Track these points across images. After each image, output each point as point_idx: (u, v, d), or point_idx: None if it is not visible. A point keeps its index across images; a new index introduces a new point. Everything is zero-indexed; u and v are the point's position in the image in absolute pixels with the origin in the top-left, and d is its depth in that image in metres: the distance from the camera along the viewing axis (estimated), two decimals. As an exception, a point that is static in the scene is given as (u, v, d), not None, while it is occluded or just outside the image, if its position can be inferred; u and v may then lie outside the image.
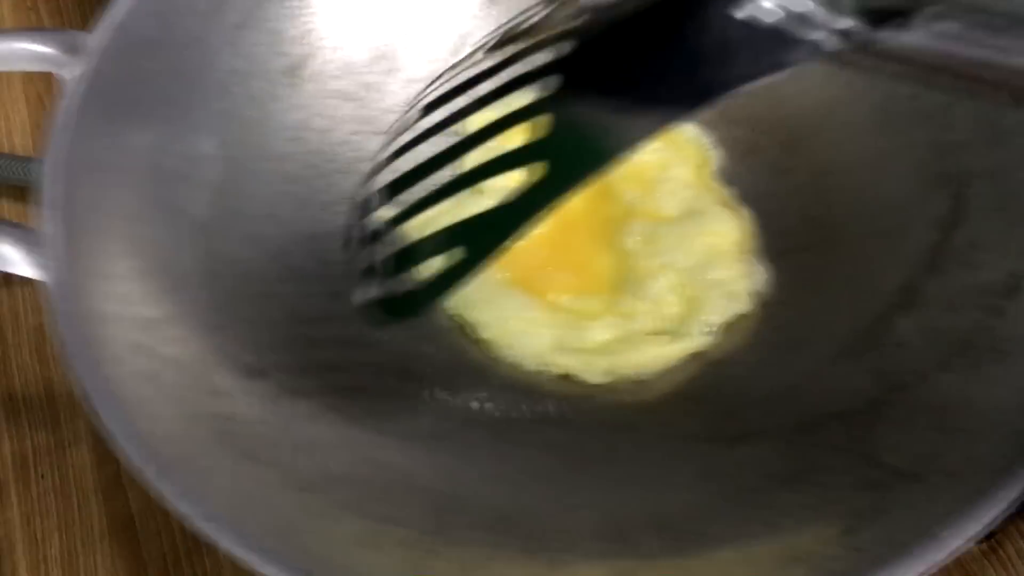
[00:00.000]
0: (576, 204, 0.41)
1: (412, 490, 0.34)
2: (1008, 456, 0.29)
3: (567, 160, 0.26)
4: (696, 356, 0.40)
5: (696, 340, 0.40)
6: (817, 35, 0.23)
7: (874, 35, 0.22)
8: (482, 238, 0.28)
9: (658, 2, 0.24)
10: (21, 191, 0.48)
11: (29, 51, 0.37)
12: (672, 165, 0.44)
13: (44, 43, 0.37)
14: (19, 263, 0.33)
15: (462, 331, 0.41)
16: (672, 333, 0.40)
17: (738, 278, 0.41)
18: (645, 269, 0.41)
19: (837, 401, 0.36)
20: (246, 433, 0.33)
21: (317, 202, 0.43)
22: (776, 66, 0.24)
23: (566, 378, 0.39)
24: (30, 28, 0.49)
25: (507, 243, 0.27)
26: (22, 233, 0.33)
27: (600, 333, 0.40)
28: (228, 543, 0.28)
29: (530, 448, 0.37)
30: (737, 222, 0.43)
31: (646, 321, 0.40)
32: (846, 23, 0.22)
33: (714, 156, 0.45)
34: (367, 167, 0.44)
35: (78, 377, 0.31)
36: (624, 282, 0.41)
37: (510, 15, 0.46)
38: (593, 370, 0.39)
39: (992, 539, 0.38)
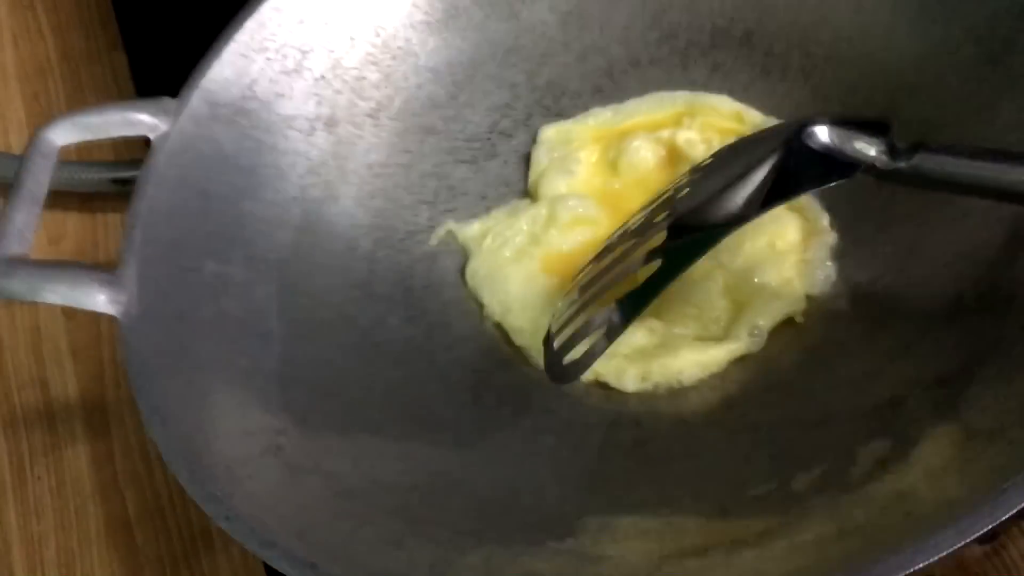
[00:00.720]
0: (632, 203, 0.40)
1: (461, 496, 0.33)
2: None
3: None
4: (739, 361, 0.37)
5: (741, 343, 0.37)
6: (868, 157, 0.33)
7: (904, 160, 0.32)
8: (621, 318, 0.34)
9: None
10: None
11: (124, 119, 0.41)
12: None
13: (138, 111, 0.41)
14: (101, 302, 0.36)
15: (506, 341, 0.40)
16: (716, 338, 0.37)
17: (791, 280, 0.38)
18: (694, 274, 0.38)
19: (931, 369, 0.31)
20: (297, 446, 0.34)
21: (401, 232, 0.44)
22: (836, 175, 0.33)
23: (602, 386, 0.37)
24: (124, 101, 0.52)
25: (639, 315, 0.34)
26: (103, 275, 0.36)
27: (638, 337, 0.37)
28: (243, 539, 0.28)
29: (600, 450, 0.35)
30: (798, 222, 0.39)
31: (690, 326, 0.38)
32: (883, 150, 0.33)
33: None
34: (451, 194, 0.45)
35: (136, 395, 0.32)
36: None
37: (582, 31, 0.46)
38: (627, 377, 0.37)
39: (995, 541, 0.34)
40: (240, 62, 0.43)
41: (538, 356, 0.38)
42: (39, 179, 0.38)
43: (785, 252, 0.38)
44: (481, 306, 0.41)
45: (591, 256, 0.38)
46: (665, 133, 0.43)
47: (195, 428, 0.32)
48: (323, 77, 0.45)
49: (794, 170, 0.33)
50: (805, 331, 0.37)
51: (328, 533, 0.30)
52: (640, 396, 0.37)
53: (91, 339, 0.46)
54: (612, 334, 0.33)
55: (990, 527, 0.23)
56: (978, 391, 0.29)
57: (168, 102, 0.41)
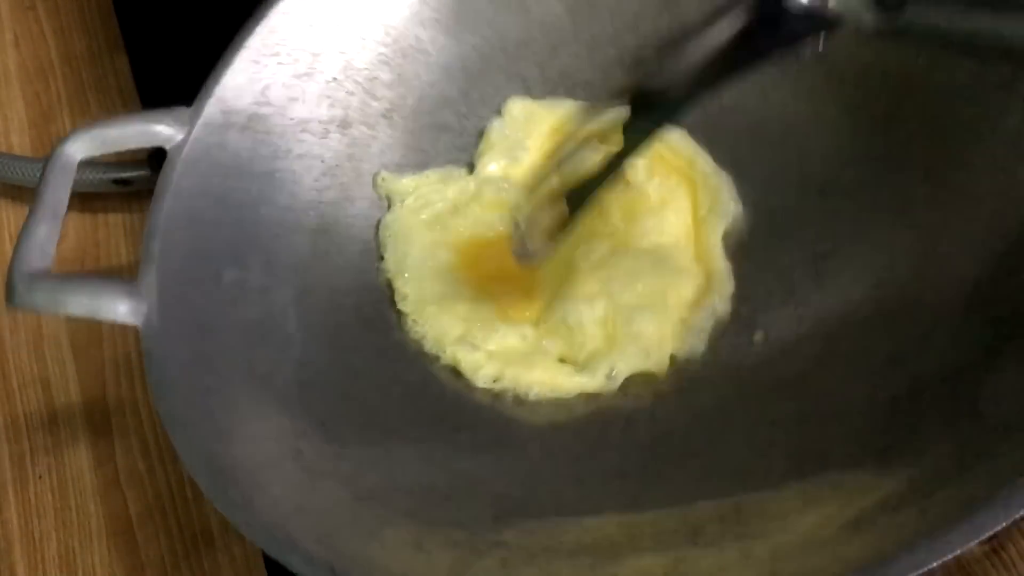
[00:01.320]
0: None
1: (479, 494, 0.33)
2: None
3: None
4: (591, 397, 0.37)
5: (595, 381, 0.37)
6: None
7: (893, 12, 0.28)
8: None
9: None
10: (19, 190, 0.50)
11: (141, 131, 0.42)
12: (672, 204, 0.41)
13: (155, 122, 0.41)
14: (122, 312, 0.37)
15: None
16: (576, 363, 0.38)
17: (665, 337, 0.38)
18: (583, 291, 0.39)
19: (948, 358, 0.31)
20: (316, 450, 0.34)
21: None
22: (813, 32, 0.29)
23: (457, 373, 0.38)
24: (141, 112, 0.52)
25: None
26: (124, 285, 0.37)
27: (508, 339, 0.38)
28: (264, 544, 0.29)
29: (619, 448, 0.35)
30: (699, 282, 0.39)
31: (558, 343, 0.38)
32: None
33: (736, 216, 0.41)
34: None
35: (156, 404, 0.33)
36: (559, 297, 0.39)
37: (595, 18, 0.46)
38: (481, 372, 0.38)
39: (994, 540, 0.34)
40: (252, 68, 0.43)
41: (414, 325, 0.39)
42: (59, 194, 0.39)
43: (673, 306, 0.38)
44: (381, 258, 0.42)
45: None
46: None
47: (215, 435, 0.33)
48: (335, 79, 0.45)
49: (764, 32, 0.30)
50: (662, 383, 0.37)
51: (348, 537, 0.30)
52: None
53: (92, 339, 0.46)
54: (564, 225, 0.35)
55: (1005, 524, 0.23)
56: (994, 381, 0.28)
57: (182, 111, 0.42)
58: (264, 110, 0.43)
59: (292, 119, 0.44)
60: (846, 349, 0.35)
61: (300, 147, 0.44)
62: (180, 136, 0.41)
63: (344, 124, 0.45)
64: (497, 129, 0.45)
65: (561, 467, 0.35)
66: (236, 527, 0.29)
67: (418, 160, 0.45)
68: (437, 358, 0.39)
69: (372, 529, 0.31)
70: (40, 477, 0.42)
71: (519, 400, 0.37)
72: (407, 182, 0.44)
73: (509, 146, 0.44)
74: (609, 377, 0.37)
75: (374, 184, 0.44)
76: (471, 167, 0.45)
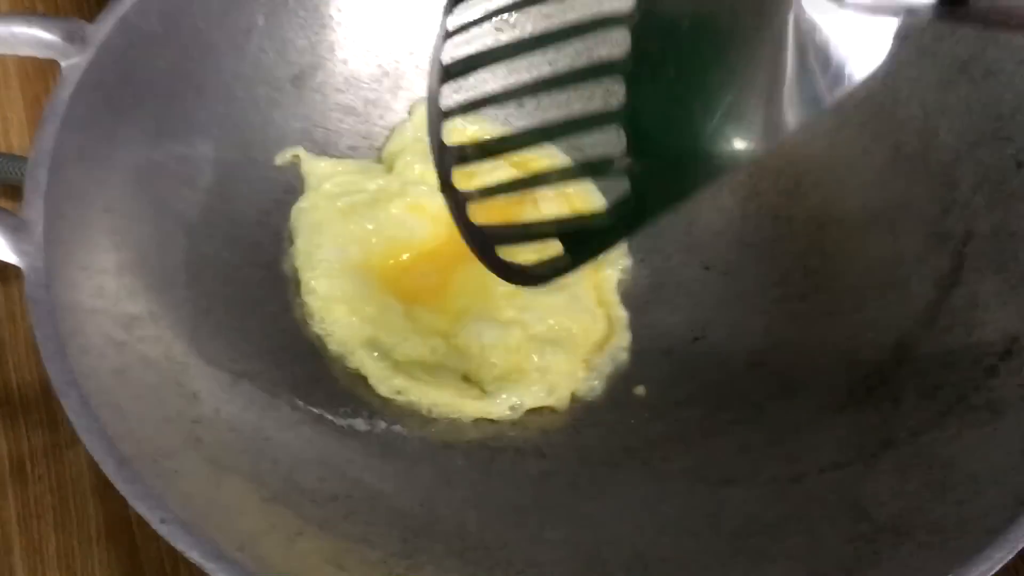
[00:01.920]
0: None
1: (381, 510, 0.33)
2: (1000, 517, 0.28)
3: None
4: (487, 423, 0.38)
5: (496, 410, 0.38)
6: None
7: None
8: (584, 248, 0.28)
9: None
10: (19, 191, 0.47)
11: (31, 36, 0.37)
12: None
13: (46, 29, 0.37)
14: (1, 248, 0.32)
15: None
16: (481, 385, 0.39)
17: (569, 373, 0.39)
18: (498, 315, 0.39)
19: (826, 452, 0.35)
20: (215, 439, 0.32)
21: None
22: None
23: (362, 380, 0.38)
24: (33, 13, 0.48)
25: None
26: (6, 218, 0.33)
27: (413, 349, 0.38)
28: (185, 547, 0.27)
29: (510, 478, 0.36)
30: (603, 328, 0.41)
31: (469, 361, 0.39)
32: None
33: (626, 268, 0.43)
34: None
35: (47, 364, 0.30)
36: (472, 315, 0.40)
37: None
38: (386, 383, 0.38)
39: None
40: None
41: (320, 322, 0.38)
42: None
43: (580, 344, 0.40)
44: (290, 243, 0.41)
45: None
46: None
47: (114, 411, 0.30)
48: (248, 31, 0.42)
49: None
50: (555, 419, 0.39)
51: (267, 546, 0.29)
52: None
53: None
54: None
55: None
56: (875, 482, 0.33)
57: (81, 26, 0.37)
58: (170, 46, 0.39)
59: (199, 62, 0.40)
60: (726, 419, 0.38)
61: (202, 96, 0.40)
62: (77, 55, 0.36)
63: (251, 82, 0.42)
64: (411, 128, 0.44)
65: (457, 490, 0.35)
66: (151, 524, 0.27)
67: (320, 137, 0.44)
68: (341, 357, 0.38)
69: (289, 537, 0.30)
70: (40, 478, 0.40)
71: (420, 418, 0.37)
72: (324, 165, 0.42)
73: (423, 149, 0.44)
74: (512, 408, 0.38)
75: (281, 156, 0.42)
76: (379, 159, 0.44)
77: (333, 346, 0.38)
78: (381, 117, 0.45)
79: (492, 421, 0.38)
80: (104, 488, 0.39)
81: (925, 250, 0.39)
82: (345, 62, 0.45)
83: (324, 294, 0.39)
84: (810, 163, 0.43)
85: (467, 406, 0.38)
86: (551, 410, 0.39)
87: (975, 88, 0.39)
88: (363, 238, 0.41)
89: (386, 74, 0.45)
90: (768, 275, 0.42)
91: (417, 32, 0.46)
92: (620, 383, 0.40)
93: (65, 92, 0.36)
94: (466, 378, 0.39)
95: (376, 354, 0.38)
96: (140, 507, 0.28)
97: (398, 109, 0.45)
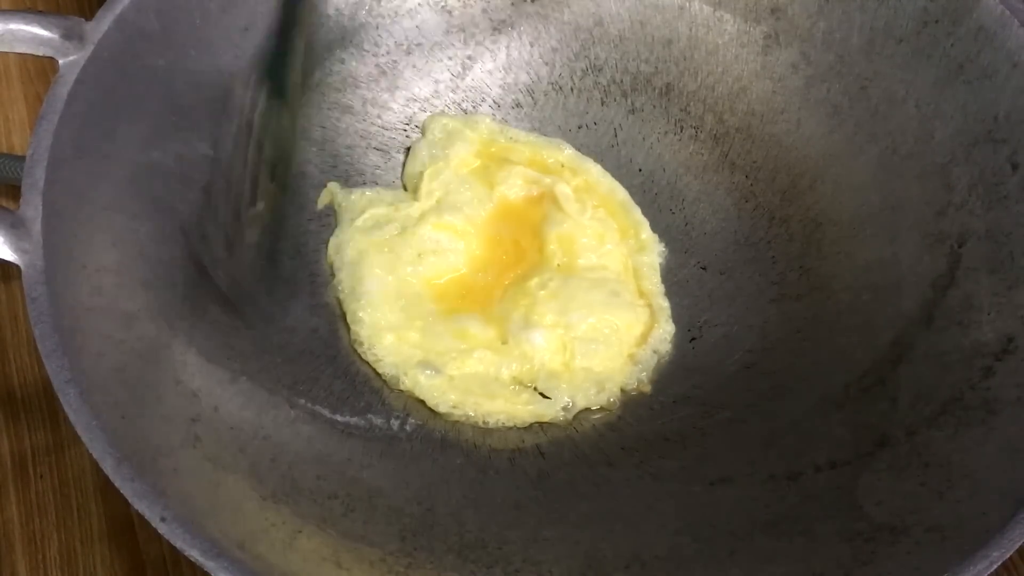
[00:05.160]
0: (505, 239, 0.42)
1: (380, 509, 0.33)
2: (996, 516, 0.29)
3: None
4: (545, 427, 0.39)
5: (550, 412, 0.39)
6: None
7: None
8: None
9: None
10: (19, 191, 0.47)
11: (28, 33, 0.36)
12: (608, 237, 0.43)
13: (44, 27, 0.37)
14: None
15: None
16: (533, 388, 0.39)
17: (614, 372, 0.40)
18: (542, 320, 0.40)
19: (822, 451, 0.35)
20: (214, 437, 0.32)
21: (308, 212, 0.42)
22: None
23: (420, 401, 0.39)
24: (31, 10, 0.48)
25: None
26: (4, 216, 0.32)
27: (462, 365, 0.39)
28: (185, 545, 0.27)
29: (508, 477, 0.36)
30: (645, 321, 0.41)
31: (515, 366, 0.39)
32: None
33: (661, 255, 0.44)
34: (361, 180, 0.44)
35: (46, 362, 0.30)
36: (516, 322, 0.40)
37: (513, 42, 0.46)
38: (443, 400, 0.38)
39: None
40: None
41: (372, 351, 0.39)
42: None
43: (623, 340, 0.40)
44: (332, 276, 0.41)
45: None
46: (547, 179, 0.44)
47: (113, 409, 0.30)
48: (247, 29, 0.42)
49: None
50: (612, 416, 0.40)
51: (266, 544, 0.29)
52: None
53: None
54: None
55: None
56: (871, 481, 0.33)
57: (79, 23, 0.37)
58: (168, 46, 0.39)
59: (196, 61, 0.40)
60: (722, 418, 0.38)
61: (198, 94, 0.40)
62: (75, 52, 0.36)
63: (248, 80, 0.42)
64: (425, 148, 0.45)
65: (455, 488, 0.35)
66: (151, 522, 0.27)
67: (318, 136, 0.44)
68: (394, 379, 0.38)
69: (288, 536, 0.30)
70: (41, 477, 0.40)
71: (478, 428, 0.38)
72: (356, 198, 0.43)
73: (440, 170, 0.44)
74: (565, 409, 0.38)
75: (322, 201, 0.43)
76: (404, 185, 0.45)
77: (385, 369, 0.39)
78: (379, 116, 0.45)
79: (547, 424, 0.38)
80: (106, 487, 0.39)
81: (921, 251, 0.39)
82: (343, 62, 0.45)
83: (371, 324, 0.39)
84: (806, 164, 0.44)
85: (521, 412, 0.38)
86: (602, 408, 0.39)
87: (970, 90, 0.39)
88: (401, 266, 0.41)
89: (383, 74, 0.46)
90: (765, 275, 0.42)
91: (415, 32, 0.46)
92: (666, 374, 0.40)
93: (63, 90, 0.35)
94: (518, 384, 0.39)
95: (429, 373, 0.38)
96: (139, 505, 0.28)
97: (395, 108, 0.46)
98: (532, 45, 0.47)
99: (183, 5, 0.40)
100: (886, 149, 0.42)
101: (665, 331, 0.41)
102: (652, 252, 0.43)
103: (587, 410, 0.39)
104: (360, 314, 0.40)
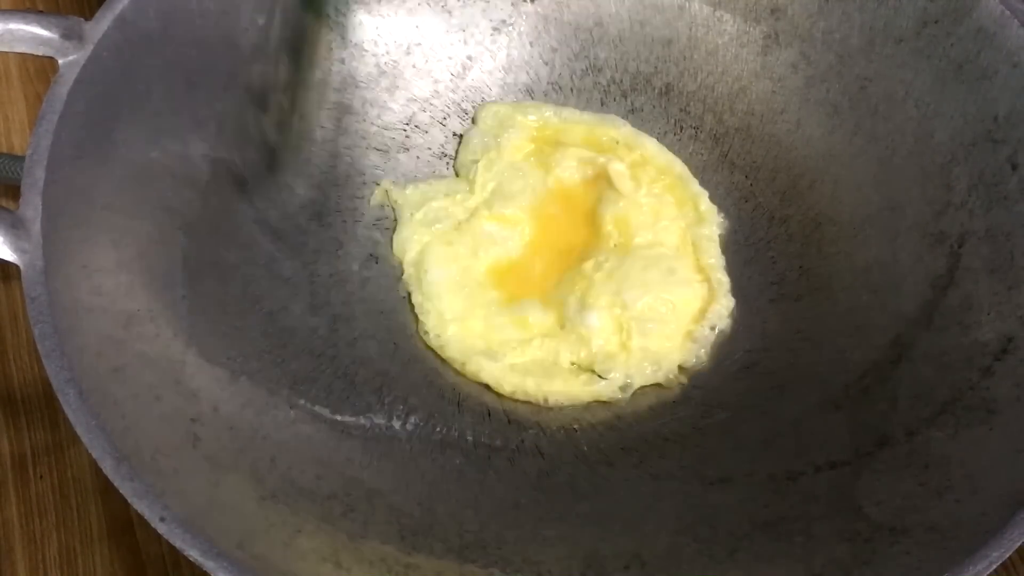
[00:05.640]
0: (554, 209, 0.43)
1: (380, 508, 0.33)
2: (996, 516, 0.29)
3: None
4: (604, 404, 0.40)
5: (608, 390, 0.39)
6: None
7: None
8: None
9: None
10: (19, 191, 0.47)
11: (28, 33, 0.36)
12: (664, 214, 0.43)
13: (44, 26, 0.37)
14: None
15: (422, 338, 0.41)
16: (591, 369, 0.40)
17: (672, 349, 0.40)
18: (598, 301, 0.40)
19: (822, 451, 0.35)
20: (214, 437, 0.32)
21: (308, 212, 0.42)
22: None
23: (485, 386, 0.40)
24: (30, 10, 0.48)
25: None
26: (4, 215, 0.32)
27: (523, 352, 0.40)
28: (184, 545, 0.27)
29: (508, 477, 0.36)
30: (703, 296, 0.42)
31: (573, 349, 0.40)
32: None
33: (722, 226, 0.44)
34: (361, 180, 0.44)
35: (45, 362, 0.30)
36: (572, 306, 0.41)
37: (513, 42, 0.46)
38: (505, 383, 0.39)
39: None
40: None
41: (437, 339, 0.40)
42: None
43: (681, 318, 0.41)
44: (401, 272, 0.42)
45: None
46: (601, 159, 0.44)
47: (112, 409, 0.30)
48: (247, 29, 0.42)
49: None
50: (669, 392, 0.40)
51: (265, 544, 0.29)
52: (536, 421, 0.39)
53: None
54: None
55: None
56: (871, 481, 0.33)
57: (79, 23, 0.37)
58: (168, 44, 0.39)
59: (195, 60, 0.40)
60: (721, 418, 0.38)
61: (198, 94, 0.40)
62: (75, 52, 0.36)
63: (248, 81, 0.42)
64: (478, 136, 0.45)
65: (455, 488, 0.35)
66: (150, 522, 0.27)
67: (317, 136, 0.44)
68: (460, 364, 0.40)
69: (287, 536, 0.30)
70: (41, 477, 0.40)
71: (536, 408, 0.39)
72: (410, 193, 0.44)
73: (493, 157, 0.45)
74: (623, 388, 0.39)
75: (375, 199, 0.44)
76: (456, 171, 0.45)
77: (451, 355, 0.40)
78: (379, 116, 0.45)
79: (606, 403, 0.39)
80: (105, 487, 0.39)
81: (920, 251, 0.39)
82: (342, 62, 0.45)
83: (436, 314, 0.41)
84: (806, 165, 0.44)
85: (580, 391, 0.39)
86: (660, 386, 0.40)
87: (970, 91, 0.39)
88: (462, 257, 0.42)
89: (383, 74, 0.45)
90: (765, 275, 0.42)
91: (414, 32, 0.46)
92: (724, 351, 0.40)
93: (63, 89, 0.35)
94: (576, 366, 0.40)
95: (492, 359, 0.39)
96: (139, 505, 0.28)
97: (395, 108, 0.45)
98: (532, 45, 0.47)
99: (183, 5, 0.40)
100: (886, 149, 0.42)
101: (723, 306, 0.41)
102: (711, 224, 0.43)
103: (646, 388, 0.40)
104: (426, 305, 0.41)
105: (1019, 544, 0.28)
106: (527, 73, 0.47)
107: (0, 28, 0.36)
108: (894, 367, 0.37)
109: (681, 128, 0.46)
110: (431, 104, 0.46)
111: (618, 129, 0.46)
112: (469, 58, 0.47)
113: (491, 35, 0.47)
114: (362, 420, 0.37)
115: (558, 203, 0.44)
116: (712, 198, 0.44)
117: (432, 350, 0.40)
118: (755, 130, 0.45)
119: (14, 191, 0.46)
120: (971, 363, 0.35)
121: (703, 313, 0.41)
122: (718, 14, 0.45)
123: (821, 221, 0.42)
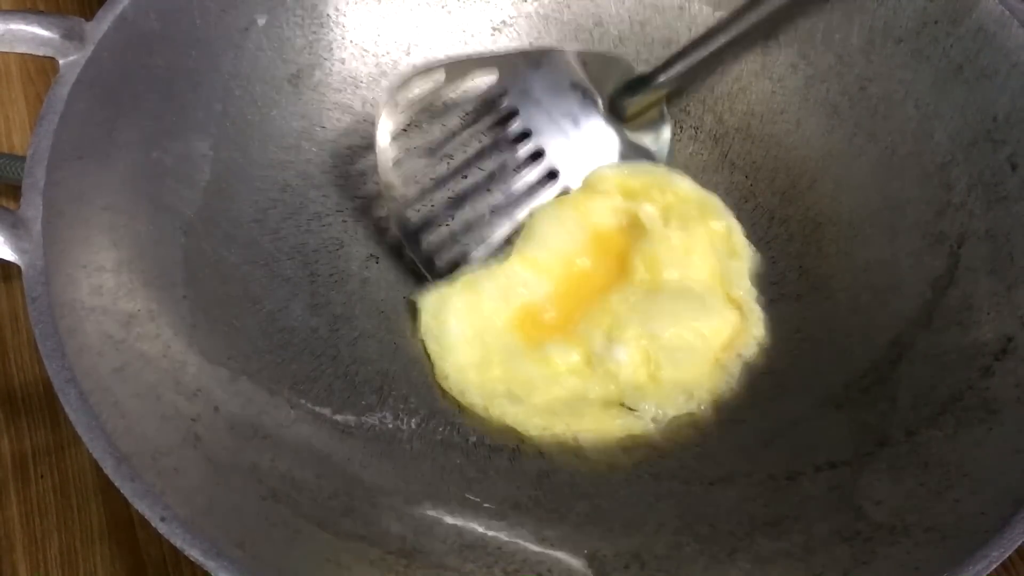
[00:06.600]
0: (590, 267, 0.42)
1: (380, 508, 0.33)
2: (996, 516, 0.29)
3: None
4: (636, 438, 0.38)
5: (640, 423, 0.38)
6: None
7: None
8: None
9: None
10: (19, 191, 0.47)
11: (28, 33, 0.37)
12: (696, 250, 0.42)
13: (44, 26, 0.37)
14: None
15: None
16: (620, 403, 0.38)
17: (703, 377, 0.39)
18: (624, 334, 0.39)
19: (822, 451, 0.35)
20: (214, 436, 0.32)
21: (308, 212, 0.42)
22: None
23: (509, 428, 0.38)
24: (31, 10, 0.48)
25: None
26: (4, 215, 0.32)
27: (547, 393, 0.38)
28: (185, 545, 0.27)
29: (507, 477, 0.36)
30: (733, 324, 0.40)
31: (601, 385, 0.39)
32: None
33: (753, 260, 0.42)
34: (362, 180, 0.44)
35: (45, 362, 0.30)
36: (598, 341, 0.39)
37: (513, 42, 0.46)
38: (530, 424, 0.38)
39: None
40: (164, -3, 0.39)
41: (458, 385, 0.39)
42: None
43: (711, 347, 0.40)
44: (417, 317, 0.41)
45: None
46: (633, 203, 0.43)
47: (113, 409, 0.30)
48: (247, 29, 0.42)
49: None
50: (701, 420, 0.39)
51: (266, 543, 0.29)
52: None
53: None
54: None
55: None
56: (870, 481, 0.33)
57: (79, 23, 0.37)
58: (167, 44, 0.39)
59: (196, 61, 0.40)
60: (722, 418, 0.38)
61: (199, 95, 0.40)
62: (75, 52, 0.36)
63: (249, 80, 0.42)
64: None
65: (453, 488, 0.35)
66: (151, 521, 0.27)
67: (319, 136, 0.44)
68: (486, 409, 0.38)
69: (287, 536, 0.30)
70: (42, 476, 0.40)
71: (567, 446, 0.37)
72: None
73: None
74: (655, 420, 0.38)
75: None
76: None
77: (471, 400, 0.38)
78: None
79: (638, 437, 0.38)
80: (106, 487, 0.39)
81: (920, 251, 0.39)
82: (343, 62, 0.45)
83: (454, 362, 0.39)
84: (806, 164, 0.44)
85: (611, 426, 0.38)
86: (692, 416, 0.38)
87: (970, 90, 0.39)
88: (484, 301, 0.40)
89: (384, 74, 0.46)
90: (764, 275, 0.42)
91: (415, 32, 0.46)
92: (756, 377, 0.39)
93: (63, 89, 0.35)
94: (606, 402, 0.38)
95: (515, 401, 0.38)
96: (139, 505, 0.28)
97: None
98: (532, 45, 0.47)
99: (183, 5, 0.40)
100: (886, 149, 0.42)
101: (753, 336, 0.40)
102: (743, 257, 0.42)
103: (679, 418, 0.38)
104: (444, 354, 0.39)
105: (1019, 544, 0.28)
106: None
107: (0, 28, 0.36)
108: (894, 367, 0.37)
109: (681, 128, 0.46)
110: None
111: (651, 172, 0.44)
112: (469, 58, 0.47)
113: (491, 35, 0.47)
114: (363, 420, 0.37)
115: (589, 248, 0.42)
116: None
117: (452, 396, 0.39)
118: (755, 130, 0.45)
119: (15, 191, 0.46)
120: (971, 363, 0.35)
121: (733, 342, 0.40)
122: (718, 14, 0.45)
123: (821, 221, 0.42)
